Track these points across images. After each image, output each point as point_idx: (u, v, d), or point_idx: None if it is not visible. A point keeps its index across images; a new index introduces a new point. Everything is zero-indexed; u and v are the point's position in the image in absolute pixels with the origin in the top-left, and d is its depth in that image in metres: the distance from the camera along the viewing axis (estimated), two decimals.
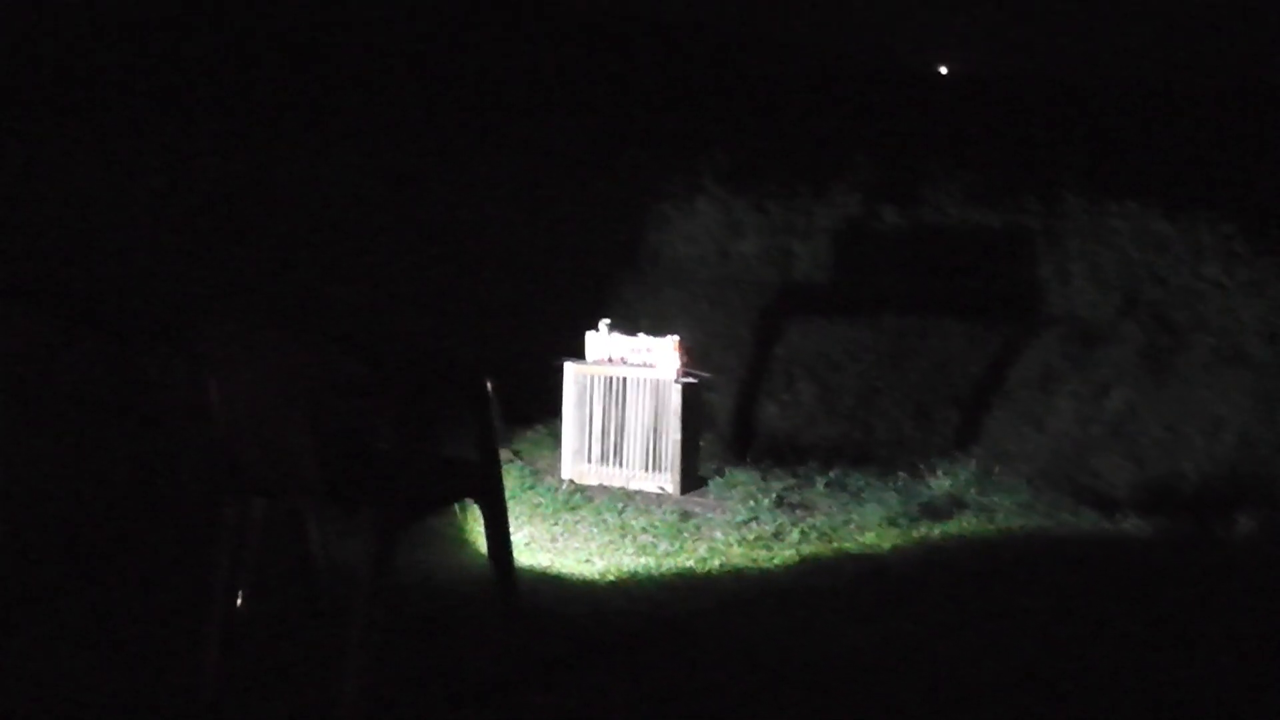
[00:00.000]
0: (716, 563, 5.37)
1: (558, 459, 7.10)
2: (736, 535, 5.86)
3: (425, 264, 8.58)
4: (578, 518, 6.25)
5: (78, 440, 4.75)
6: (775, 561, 5.39)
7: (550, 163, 9.12)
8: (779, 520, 6.06)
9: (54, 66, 8.03)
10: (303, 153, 8.39)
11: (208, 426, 3.50)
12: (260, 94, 8.74)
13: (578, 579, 5.16)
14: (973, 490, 6.45)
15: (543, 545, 5.80)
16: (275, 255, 7.89)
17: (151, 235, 7.38)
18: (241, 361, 3.41)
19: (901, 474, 6.87)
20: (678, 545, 5.75)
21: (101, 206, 7.34)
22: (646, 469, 6.83)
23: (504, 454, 6.30)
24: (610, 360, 7.01)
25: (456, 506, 5.66)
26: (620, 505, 6.45)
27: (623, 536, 5.94)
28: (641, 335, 7.03)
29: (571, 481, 6.90)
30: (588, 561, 5.52)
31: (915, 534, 5.71)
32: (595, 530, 6.05)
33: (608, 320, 7.13)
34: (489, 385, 3.80)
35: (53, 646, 3.97)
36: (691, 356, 7.00)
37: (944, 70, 10.62)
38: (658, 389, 6.84)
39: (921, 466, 6.89)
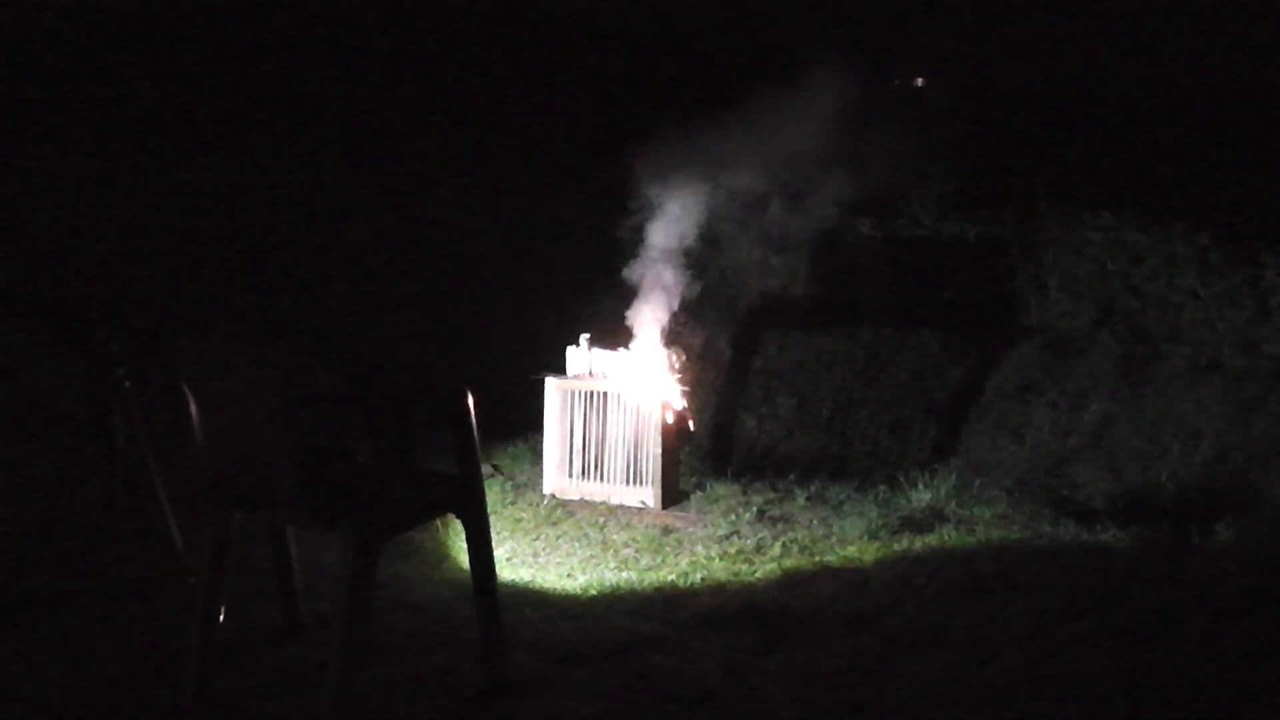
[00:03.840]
0: (698, 577, 5.36)
1: (539, 474, 7.08)
2: (718, 549, 5.85)
3: (404, 278, 8.56)
4: (559, 532, 6.24)
5: (54, 453, 4.70)
6: (756, 575, 5.38)
7: (530, 175, 9.11)
8: (760, 534, 6.06)
9: (29, 76, 7.98)
10: (282, 166, 8.37)
11: (187, 441, 3.48)
12: (241, 107, 8.72)
13: (559, 593, 5.15)
14: (953, 503, 6.45)
15: (524, 560, 5.79)
16: (253, 269, 7.86)
17: (129, 247, 7.34)
18: (219, 377, 3.39)
19: (881, 487, 6.87)
20: (659, 559, 5.74)
21: (79, 218, 7.30)
22: (628, 483, 6.82)
23: (484, 468, 6.28)
24: (591, 375, 7.01)
25: (439, 521, 5.64)
26: (602, 520, 6.44)
27: (604, 551, 5.93)
28: (622, 350, 7.03)
29: (553, 496, 6.88)
30: (569, 576, 5.51)
31: (896, 547, 5.71)
32: (577, 545, 6.04)
33: (588, 335, 7.12)
34: (469, 398, 3.78)
35: (33, 660, 3.92)
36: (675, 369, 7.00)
37: (920, 82, 10.68)
38: (638, 403, 6.83)
39: (901, 479, 6.90)
